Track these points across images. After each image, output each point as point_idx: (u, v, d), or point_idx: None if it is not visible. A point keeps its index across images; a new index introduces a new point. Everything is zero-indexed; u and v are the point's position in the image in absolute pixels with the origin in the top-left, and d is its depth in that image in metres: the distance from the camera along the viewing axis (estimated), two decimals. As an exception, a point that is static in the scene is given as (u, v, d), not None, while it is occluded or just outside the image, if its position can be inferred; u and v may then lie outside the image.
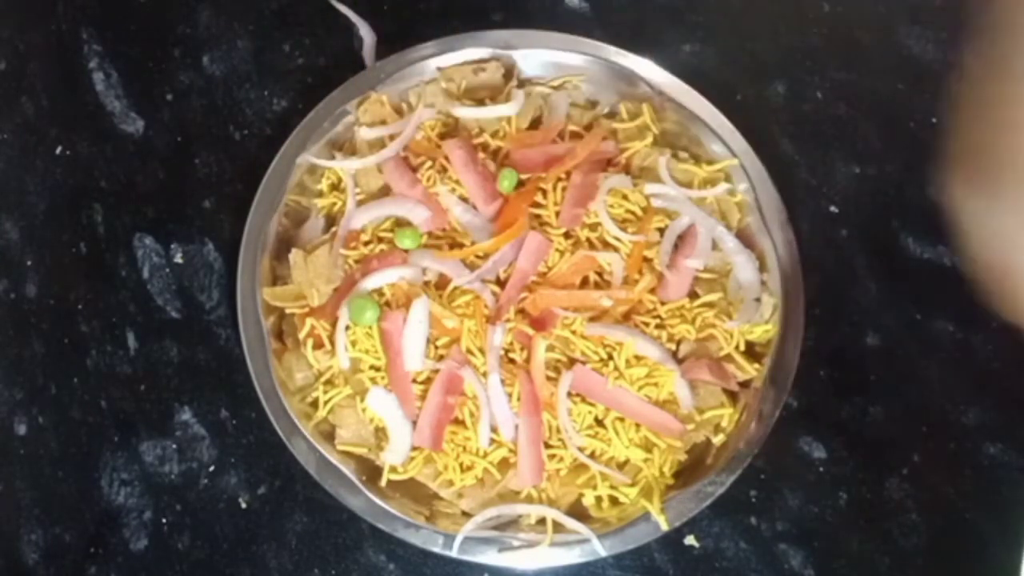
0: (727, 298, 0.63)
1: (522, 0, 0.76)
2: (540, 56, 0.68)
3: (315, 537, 0.63)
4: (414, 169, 0.65)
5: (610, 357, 0.61)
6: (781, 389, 0.61)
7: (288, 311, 0.63)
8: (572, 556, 0.58)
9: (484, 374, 0.60)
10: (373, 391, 0.60)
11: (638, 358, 0.61)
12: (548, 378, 0.60)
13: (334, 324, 0.61)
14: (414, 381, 0.60)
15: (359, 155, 0.66)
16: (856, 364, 0.67)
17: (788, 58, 0.74)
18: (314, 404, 0.62)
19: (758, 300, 0.63)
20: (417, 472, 0.60)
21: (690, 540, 0.63)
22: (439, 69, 0.68)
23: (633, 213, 0.64)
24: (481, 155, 0.65)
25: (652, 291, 0.62)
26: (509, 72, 0.68)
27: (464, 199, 0.64)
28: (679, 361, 0.61)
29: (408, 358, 0.60)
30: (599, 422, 0.60)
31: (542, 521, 0.59)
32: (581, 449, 0.59)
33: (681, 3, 0.76)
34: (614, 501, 0.60)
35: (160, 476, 0.64)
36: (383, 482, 0.60)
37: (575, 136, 0.66)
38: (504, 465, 0.60)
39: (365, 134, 0.66)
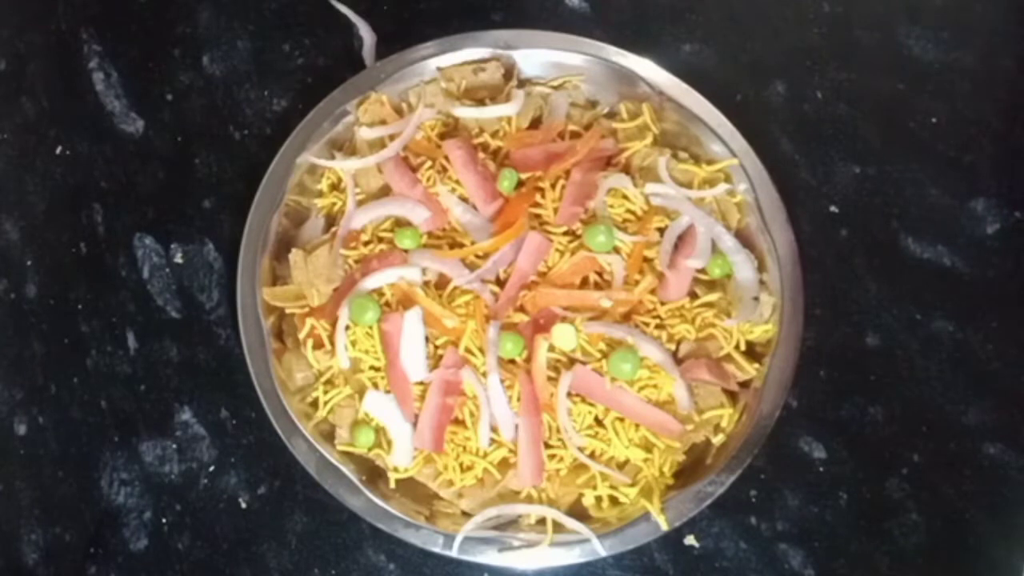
0: (727, 298, 0.63)
1: (522, 0, 0.76)
2: (540, 56, 0.68)
3: (315, 537, 0.63)
4: (414, 169, 0.65)
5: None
6: (781, 389, 0.61)
7: (288, 311, 0.63)
8: (572, 556, 0.58)
9: (484, 374, 0.60)
10: (370, 395, 0.60)
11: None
12: (548, 378, 0.60)
13: (334, 324, 0.61)
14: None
15: (359, 155, 0.66)
16: (856, 364, 0.66)
17: (788, 58, 0.74)
18: (314, 404, 0.62)
19: (756, 299, 0.63)
20: (417, 472, 0.60)
21: (690, 540, 0.63)
22: (439, 69, 0.68)
23: (633, 213, 0.64)
24: (481, 155, 0.65)
25: (652, 291, 0.62)
26: (509, 72, 0.68)
27: (464, 199, 0.64)
28: (679, 361, 0.61)
29: (409, 370, 0.60)
30: (599, 422, 0.60)
31: (542, 521, 0.59)
32: (581, 449, 0.59)
33: (681, 3, 0.76)
34: (614, 501, 0.60)
35: (160, 476, 0.64)
36: (385, 484, 0.60)
37: (575, 136, 0.66)
38: (504, 465, 0.60)
39: (365, 134, 0.66)
